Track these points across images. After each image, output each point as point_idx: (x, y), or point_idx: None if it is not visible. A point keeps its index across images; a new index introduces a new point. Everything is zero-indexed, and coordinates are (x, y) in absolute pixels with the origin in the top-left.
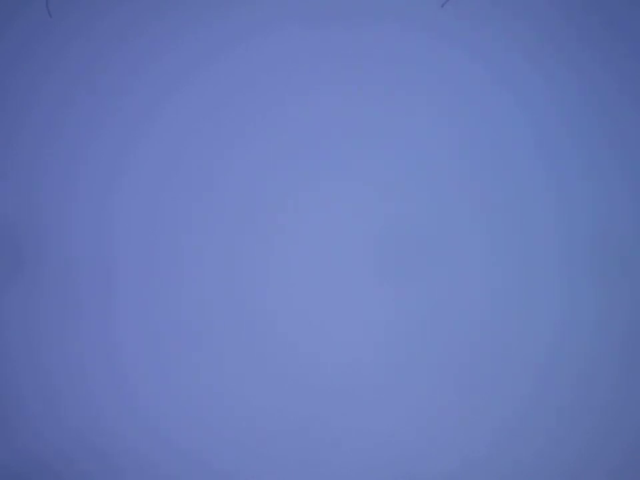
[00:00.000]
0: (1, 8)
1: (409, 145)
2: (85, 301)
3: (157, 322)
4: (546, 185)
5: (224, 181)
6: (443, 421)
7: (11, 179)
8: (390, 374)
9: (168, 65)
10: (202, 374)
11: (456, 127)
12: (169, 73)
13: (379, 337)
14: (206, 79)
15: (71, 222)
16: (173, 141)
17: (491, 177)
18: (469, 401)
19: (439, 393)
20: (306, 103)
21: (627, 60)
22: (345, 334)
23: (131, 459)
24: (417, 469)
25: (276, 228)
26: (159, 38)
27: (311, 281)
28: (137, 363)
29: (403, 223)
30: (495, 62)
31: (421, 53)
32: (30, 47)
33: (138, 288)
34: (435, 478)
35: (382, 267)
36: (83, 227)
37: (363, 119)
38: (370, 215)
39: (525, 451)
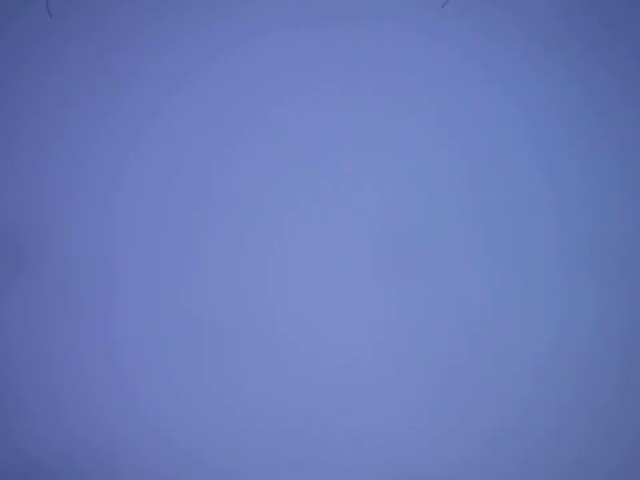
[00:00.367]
0: (1, 8)
1: (409, 145)
2: (84, 301)
3: (157, 322)
4: (546, 185)
5: (224, 181)
6: (443, 421)
7: (11, 179)
8: (390, 374)
9: (168, 65)
10: (202, 374)
11: (456, 127)
12: (168, 73)
13: (379, 337)
14: (206, 79)
15: (71, 222)
16: (173, 140)
17: (491, 177)
18: (469, 401)
19: (438, 393)
20: (306, 103)
21: (626, 60)
22: (344, 334)
23: (131, 459)
24: (417, 469)
25: (276, 228)
26: (159, 38)
27: (311, 281)
28: (137, 362)
29: (403, 223)
30: (495, 62)
31: (421, 53)
32: (30, 46)
33: (138, 288)
34: (435, 478)
35: (382, 267)
36: (83, 227)
37: (363, 119)
38: (370, 215)
39: (525, 450)
